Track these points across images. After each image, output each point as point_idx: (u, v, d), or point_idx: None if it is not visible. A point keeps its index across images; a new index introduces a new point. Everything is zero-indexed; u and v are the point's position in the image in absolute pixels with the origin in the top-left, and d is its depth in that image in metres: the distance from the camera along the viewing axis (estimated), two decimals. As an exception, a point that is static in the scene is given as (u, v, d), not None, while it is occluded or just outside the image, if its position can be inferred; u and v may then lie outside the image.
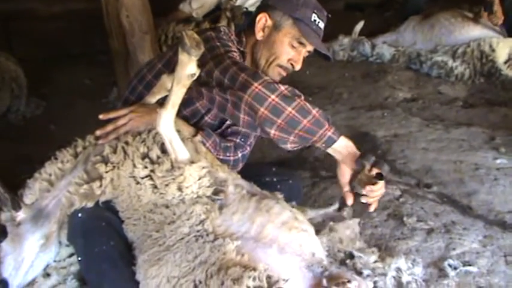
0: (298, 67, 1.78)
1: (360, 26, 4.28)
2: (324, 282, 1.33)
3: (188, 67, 1.40)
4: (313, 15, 1.72)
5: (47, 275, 1.59)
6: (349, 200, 1.60)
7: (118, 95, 3.32)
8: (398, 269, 1.61)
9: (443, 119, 3.14)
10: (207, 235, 1.39)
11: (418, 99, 3.52)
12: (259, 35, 1.77)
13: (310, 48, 1.77)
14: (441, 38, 4.01)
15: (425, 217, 2.06)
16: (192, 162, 1.52)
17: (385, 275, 1.59)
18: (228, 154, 1.82)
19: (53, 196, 1.58)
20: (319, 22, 1.74)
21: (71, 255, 1.62)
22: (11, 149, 2.85)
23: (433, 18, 4.12)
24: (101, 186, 1.53)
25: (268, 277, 1.25)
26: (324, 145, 1.51)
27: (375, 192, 1.53)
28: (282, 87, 1.48)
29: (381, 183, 1.52)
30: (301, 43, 1.74)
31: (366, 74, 4.01)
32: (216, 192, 1.52)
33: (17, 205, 1.55)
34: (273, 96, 1.46)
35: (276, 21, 1.74)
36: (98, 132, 1.63)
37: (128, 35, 2.80)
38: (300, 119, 1.46)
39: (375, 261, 1.63)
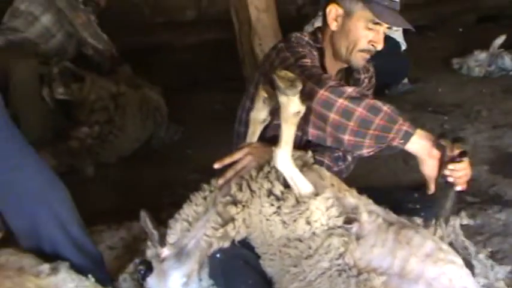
0: (379, 47, 1.72)
1: (500, 40, 3.98)
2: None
3: (291, 107, 1.39)
4: None
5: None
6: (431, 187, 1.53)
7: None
8: None
9: None
10: (350, 269, 1.35)
11: None
12: (333, 26, 1.74)
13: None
14: None
15: None
16: (316, 194, 1.48)
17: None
18: (339, 164, 1.79)
19: (192, 236, 1.63)
20: None
21: (211, 289, 1.67)
22: (154, 173, 3.06)
23: None
24: (234, 228, 1.55)
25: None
26: (402, 141, 1.45)
27: (457, 172, 1.47)
28: (349, 89, 1.47)
29: (465, 162, 1.46)
30: (377, 23, 1.67)
31: (507, 89, 3.71)
32: (348, 221, 1.46)
33: (163, 242, 1.63)
34: (340, 100, 1.45)
35: (346, 8, 1.70)
36: (220, 182, 1.65)
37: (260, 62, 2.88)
38: (372, 117, 1.43)
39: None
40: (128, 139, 3.14)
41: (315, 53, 1.76)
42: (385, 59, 3.23)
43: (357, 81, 1.89)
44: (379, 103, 1.45)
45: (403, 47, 3.78)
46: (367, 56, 1.76)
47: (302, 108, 1.40)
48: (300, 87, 1.37)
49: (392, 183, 2.47)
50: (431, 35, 4.98)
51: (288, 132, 1.44)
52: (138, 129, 3.20)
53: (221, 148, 3.23)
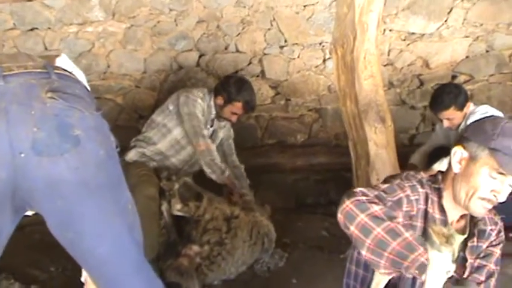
0: (502, 198, 1.64)
1: None
2: None
3: (442, 264, 1.32)
4: None
5: None
6: None
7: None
8: None
9: None
10: None
11: None
12: (456, 168, 1.71)
13: None
14: None
15: None
16: None
17: None
18: None
19: None
20: None
21: None
22: (258, 301, 2.98)
23: None
24: None
25: None
26: (417, 272, 1.45)
27: None
28: (375, 208, 1.51)
29: None
30: (501, 173, 1.60)
31: None
32: None
33: None
34: (362, 215, 1.50)
35: (472, 153, 1.67)
36: None
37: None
38: (389, 240, 1.47)
39: None
40: (235, 263, 3.12)
41: (422, 190, 1.73)
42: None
43: (483, 233, 1.81)
44: (401, 229, 1.49)
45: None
46: (488, 205, 1.68)
47: (453, 268, 1.33)
48: (453, 245, 1.32)
49: None
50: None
51: None
52: (246, 253, 3.17)
53: (327, 281, 3.09)
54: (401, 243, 1.46)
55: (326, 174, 4.70)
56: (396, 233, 1.48)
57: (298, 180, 4.77)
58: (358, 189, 1.60)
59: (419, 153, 4.09)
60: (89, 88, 1.65)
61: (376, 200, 1.56)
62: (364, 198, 1.55)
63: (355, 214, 1.51)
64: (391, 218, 1.52)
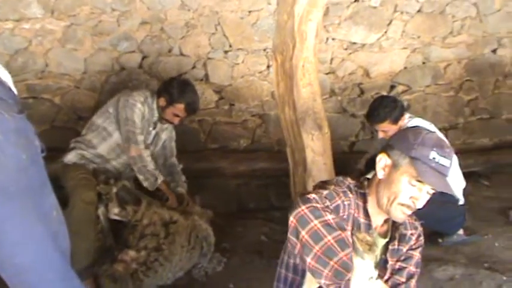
0: (419, 204, 1.74)
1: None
2: None
3: (365, 271, 1.38)
4: (432, 153, 1.68)
5: None
6: None
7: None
8: None
9: None
10: None
11: None
12: (380, 174, 1.78)
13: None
14: None
15: None
16: None
17: None
18: None
19: None
20: (439, 159, 1.68)
21: None
22: (195, 306, 2.95)
23: None
24: None
25: None
26: None
27: None
28: (329, 216, 1.53)
29: None
30: (420, 181, 1.69)
31: None
32: None
33: None
34: (315, 222, 1.51)
35: (395, 160, 1.75)
36: None
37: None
38: (338, 250, 1.47)
39: None
40: (172, 268, 3.08)
41: (352, 195, 1.79)
42: (441, 206, 3.18)
43: (403, 237, 1.89)
44: (350, 240, 1.50)
45: (460, 202, 3.69)
46: (408, 211, 1.76)
47: (375, 274, 1.38)
48: (376, 253, 1.36)
49: None
50: (485, 183, 4.90)
51: None
52: (184, 258, 3.14)
53: (265, 286, 3.11)
54: (349, 255, 1.48)
55: (267, 179, 4.73)
56: (346, 243, 1.50)
57: (240, 185, 4.78)
58: (312, 196, 1.61)
59: (365, 160, 4.18)
60: (14, 89, 1.58)
61: (329, 210, 1.58)
62: (319, 205, 1.56)
63: (309, 219, 1.52)
64: (342, 229, 1.53)
